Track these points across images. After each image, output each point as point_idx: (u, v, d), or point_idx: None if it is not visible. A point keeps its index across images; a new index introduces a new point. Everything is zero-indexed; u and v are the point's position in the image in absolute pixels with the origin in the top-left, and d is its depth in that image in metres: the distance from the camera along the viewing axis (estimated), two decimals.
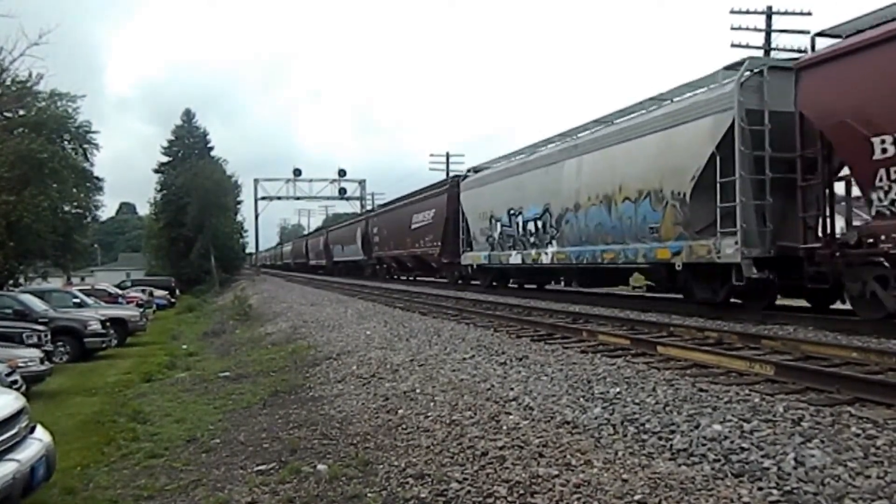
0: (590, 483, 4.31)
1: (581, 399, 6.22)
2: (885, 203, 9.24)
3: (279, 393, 8.71)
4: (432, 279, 31.20)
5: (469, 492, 4.46)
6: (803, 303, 12.51)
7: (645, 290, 16.99)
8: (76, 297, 20.70)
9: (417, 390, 7.43)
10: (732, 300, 12.62)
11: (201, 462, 5.98)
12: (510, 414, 6.04)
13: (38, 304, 16.15)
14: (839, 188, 10.60)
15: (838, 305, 11.89)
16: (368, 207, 56.54)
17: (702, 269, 12.26)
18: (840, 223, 10.67)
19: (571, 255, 16.36)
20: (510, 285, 22.40)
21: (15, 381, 8.06)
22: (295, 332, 15.33)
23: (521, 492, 4.33)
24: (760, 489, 3.96)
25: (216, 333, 19.86)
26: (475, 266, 22.94)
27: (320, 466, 5.32)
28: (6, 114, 25.46)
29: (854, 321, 10.04)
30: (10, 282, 25.50)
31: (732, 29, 26.00)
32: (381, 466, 5.19)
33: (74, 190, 29.26)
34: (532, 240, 18.57)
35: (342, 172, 64.30)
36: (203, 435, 6.90)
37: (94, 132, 30.92)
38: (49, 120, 27.02)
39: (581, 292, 18.75)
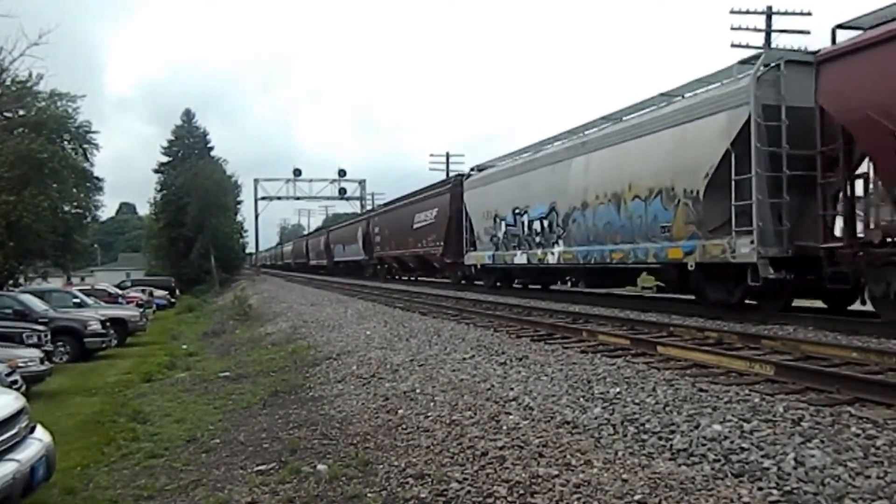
0: (590, 483, 4.31)
1: (581, 399, 6.22)
2: None
3: (279, 393, 8.71)
4: (434, 279, 30.96)
5: (469, 492, 4.46)
6: (814, 304, 12.25)
7: (655, 290, 16.67)
8: (76, 297, 20.70)
9: (417, 390, 7.43)
10: (747, 301, 12.27)
11: (201, 462, 5.98)
12: (510, 414, 6.04)
13: (38, 304, 16.15)
14: (858, 186, 10.15)
15: (835, 306, 11.88)
16: (368, 207, 56.54)
17: (715, 269, 11.97)
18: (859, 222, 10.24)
19: (579, 254, 16.06)
20: (514, 286, 22.05)
21: (15, 381, 8.06)
22: (295, 332, 15.33)
23: (521, 492, 4.32)
24: (760, 489, 3.96)
25: (216, 333, 19.86)
26: (479, 266, 22.63)
27: (320, 466, 5.32)
28: (6, 114, 25.47)
29: (855, 321, 10.03)
30: (10, 282, 25.51)
31: (732, 29, 26.03)
32: (381, 466, 5.19)
33: (74, 190, 29.28)
34: (538, 239, 18.27)
35: (342, 172, 64.35)
36: (203, 435, 6.90)
37: (94, 132, 30.99)
38: (49, 120, 27.04)
39: (581, 292, 18.74)
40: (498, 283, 22.34)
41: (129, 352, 17.25)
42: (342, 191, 64.49)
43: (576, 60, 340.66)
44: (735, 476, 4.19)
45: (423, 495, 4.51)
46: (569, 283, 19.91)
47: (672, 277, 13.95)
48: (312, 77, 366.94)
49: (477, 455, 5.09)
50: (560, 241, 17.02)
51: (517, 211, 19.48)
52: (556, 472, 4.54)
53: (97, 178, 32.44)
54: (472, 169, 24.20)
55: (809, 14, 26.09)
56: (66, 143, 29.10)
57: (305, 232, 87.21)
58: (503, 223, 20.40)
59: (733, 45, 25.78)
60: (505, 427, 5.65)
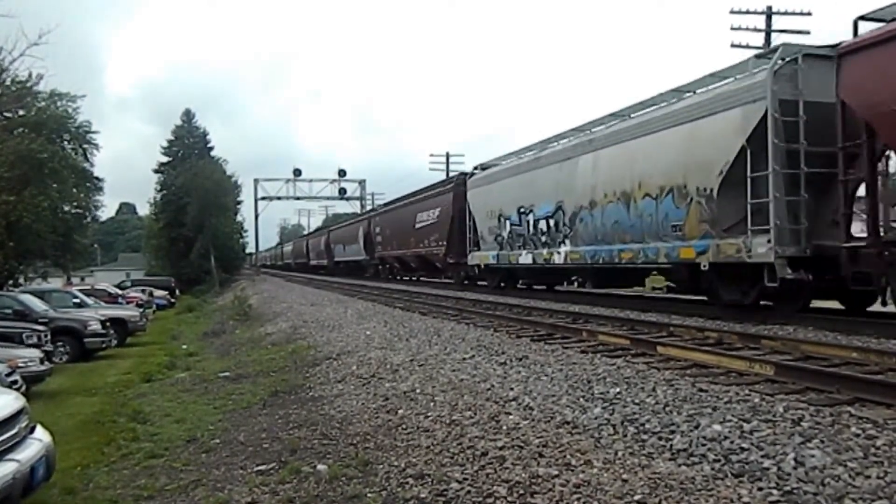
0: (590, 483, 4.31)
1: (581, 399, 6.22)
2: None
3: (279, 393, 8.71)
4: (437, 280, 30.63)
5: (469, 492, 4.46)
6: (831, 305, 11.93)
7: (665, 291, 16.28)
8: (76, 297, 20.72)
9: (417, 390, 7.43)
10: (762, 302, 11.85)
11: (201, 462, 5.98)
12: (510, 414, 6.04)
13: (38, 305, 16.16)
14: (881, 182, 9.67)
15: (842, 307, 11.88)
16: (368, 207, 56.50)
17: (729, 269, 11.61)
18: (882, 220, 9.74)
19: (586, 254, 15.69)
20: (519, 286, 21.64)
21: (15, 381, 8.07)
22: (295, 332, 15.33)
23: (521, 492, 4.33)
24: (760, 489, 3.96)
25: (216, 333, 19.87)
26: (483, 266, 22.21)
27: (320, 466, 5.32)
28: (6, 114, 25.48)
29: (855, 322, 10.01)
30: (10, 282, 25.51)
31: (732, 29, 26.03)
32: (381, 466, 5.19)
33: (74, 190, 29.30)
34: (544, 239, 17.88)
35: (342, 172, 64.37)
36: (203, 435, 6.90)
37: (94, 132, 31.00)
38: (49, 120, 27.04)
39: (581, 292, 18.74)
40: (502, 284, 21.96)
41: (129, 352, 17.25)
42: (342, 191, 64.52)
43: (576, 60, 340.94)
44: (735, 476, 4.19)
45: (423, 495, 4.51)
46: (575, 284, 19.49)
47: (683, 277, 13.59)
48: (312, 77, 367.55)
49: (477, 455, 5.09)
50: (567, 241, 16.69)
51: (522, 210, 19.07)
52: (556, 472, 4.54)
53: (97, 178, 32.50)
54: (475, 167, 23.75)
55: (809, 14, 26.16)
56: (66, 143, 29.11)
57: (305, 232, 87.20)
58: (508, 222, 20.00)
59: (733, 45, 25.82)
60: (505, 427, 5.65)
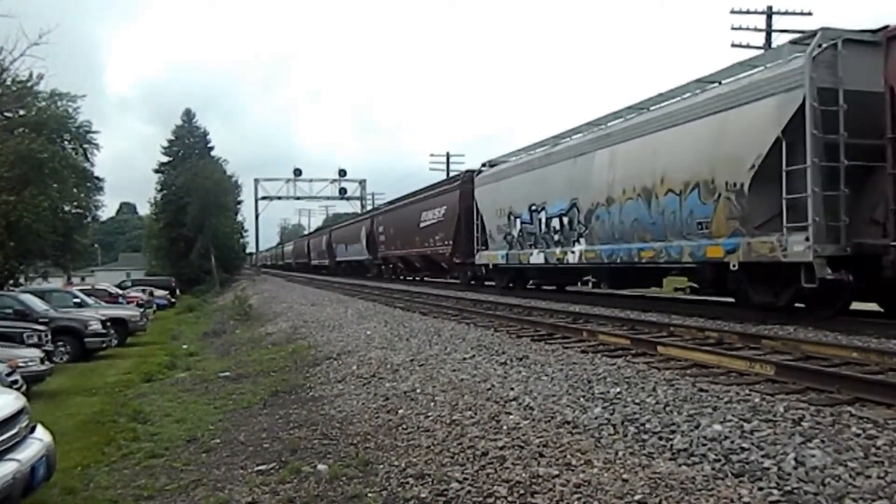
0: (590, 483, 4.30)
1: (581, 399, 6.21)
2: None
3: (279, 393, 8.71)
4: (440, 280, 30.10)
5: (469, 492, 4.45)
6: (868, 307, 11.44)
7: (688, 292, 15.56)
8: (76, 297, 20.71)
9: (418, 390, 7.43)
10: (796, 305, 11.22)
11: (201, 462, 5.98)
12: (510, 414, 6.04)
13: (38, 304, 16.16)
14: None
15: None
16: (369, 207, 56.46)
17: (760, 269, 10.97)
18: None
19: (603, 253, 15.00)
20: (529, 286, 20.99)
21: (15, 381, 8.06)
22: (295, 332, 15.33)
23: (522, 492, 4.32)
24: (761, 489, 3.96)
25: (216, 333, 19.87)
26: (491, 266, 21.51)
27: (320, 466, 5.32)
28: (6, 114, 25.50)
29: (855, 322, 10.01)
30: (11, 282, 25.53)
31: (733, 29, 26.00)
32: (382, 466, 5.19)
33: (75, 190, 29.33)
34: (556, 237, 17.21)
35: (342, 172, 64.39)
36: (203, 435, 6.91)
37: (94, 132, 31.06)
38: (49, 120, 27.07)
39: (582, 292, 18.73)
40: (510, 285, 21.31)
41: (130, 352, 17.25)
42: (342, 191, 64.54)
43: (576, 60, 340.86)
44: (735, 476, 4.19)
45: (423, 495, 4.51)
46: (589, 285, 18.74)
47: (708, 278, 12.86)
48: (312, 77, 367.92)
49: (477, 455, 5.09)
50: (582, 240, 15.99)
51: (534, 208, 18.36)
52: (557, 472, 4.54)
53: (97, 177, 32.56)
54: (483, 164, 22.84)
55: (810, 14, 26.11)
56: (66, 143, 29.16)
57: (306, 232, 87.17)
58: (518, 221, 19.29)
59: (733, 45, 25.80)
60: (505, 427, 5.65)
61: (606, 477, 4.38)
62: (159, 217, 57.21)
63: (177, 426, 7.46)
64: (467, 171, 25.03)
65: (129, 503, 5.13)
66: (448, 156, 51.58)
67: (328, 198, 66.14)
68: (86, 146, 30.61)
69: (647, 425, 5.25)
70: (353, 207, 66.55)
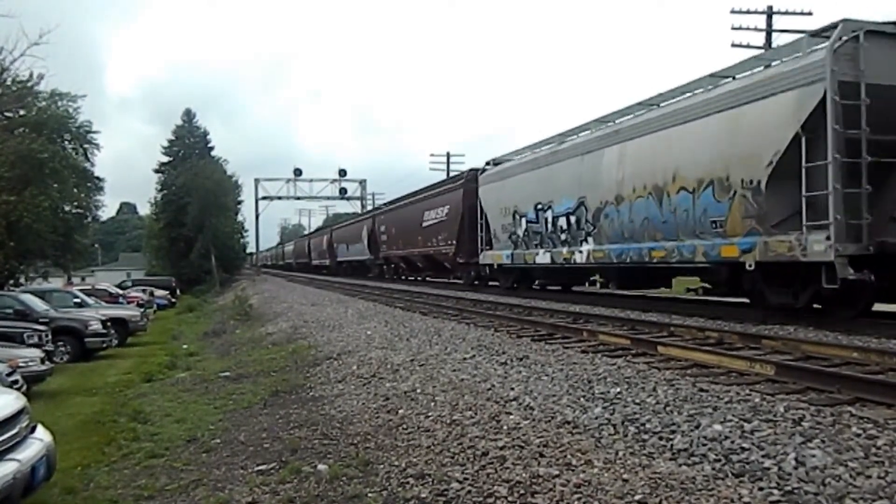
0: (590, 483, 4.30)
1: (581, 399, 6.21)
2: None
3: (280, 393, 8.71)
4: (442, 280, 29.88)
5: (469, 492, 4.45)
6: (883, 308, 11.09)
7: (700, 293, 15.27)
8: (77, 296, 20.73)
9: (418, 390, 7.43)
10: (815, 306, 10.91)
11: (202, 462, 5.98)
12: (511, 414, 6.04)
13: (38, 304, 16.17)
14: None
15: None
16: (369, 207, 56.42)
17: (777, 269, 10.64)
18: None
19: (612, 253, 14.66)
20: (534, 287, 20.69)
21: (16, 381, 8.06)
22: (295, 331, 15.33)
23: (522, 492, 4.32)
24: (761, 489, 3.96)
25: (216, 333, 19.87)
26: (496, 266, 21.11)
27: (321, 466, 5.32)
28: (7, 114, 25.52)
29: (855, 321, 9.99)
30: (11, 282, 25.53)
31: (733, 29, 25.96)
32: (382, 466, 5.19)
33: (75, 190, 29.36)
34: (563, 237, 16.84)
35: (342, 172, 64.34)
36: (203, 435, 6.91)
37: (94, 132, 31.10)
38: (49, 120, 27.10)
39: (582, 292, 18.73)
40: (515, 285, 21.00)
41: (130, 352, 17.26)
42: (343, 191, 64.51)
43: (576, 60, 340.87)
44: (736, 476, 4.19)
45: (423, 495, 4.51)
46: (597, 285, 18.47)
47: (722, 278, 12.49)
48: (312, 77, 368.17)
49: (477, 455, 5.09)
50: (589, 239, 15.64)
51: (540, 206, 17.99)
52: (557, 472, 4.54)
53: (98, 178, 32.60)
54: (487, 163, 22.39)
55: (810, 14, 26.06)
56: (66, 143, 29.19)
57: (306, 232, 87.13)
58: (524, 220, 18.93)
59: (734, 45, 25.76)
60: (505, 427, 5.65)
61: (607, 477, 4.38)
62: (159, 217, 57.26)
63: (177, 426, 7.46)
64: (471, 170, 24.58)
65: (130, 503, 5.13)
66: (448, 156, 51.62)
67: (328, 198, 66.14)
68: (86, 146, 30.66)
69: (648, 425, 5.25)
70: (353, 207, 66.60)
